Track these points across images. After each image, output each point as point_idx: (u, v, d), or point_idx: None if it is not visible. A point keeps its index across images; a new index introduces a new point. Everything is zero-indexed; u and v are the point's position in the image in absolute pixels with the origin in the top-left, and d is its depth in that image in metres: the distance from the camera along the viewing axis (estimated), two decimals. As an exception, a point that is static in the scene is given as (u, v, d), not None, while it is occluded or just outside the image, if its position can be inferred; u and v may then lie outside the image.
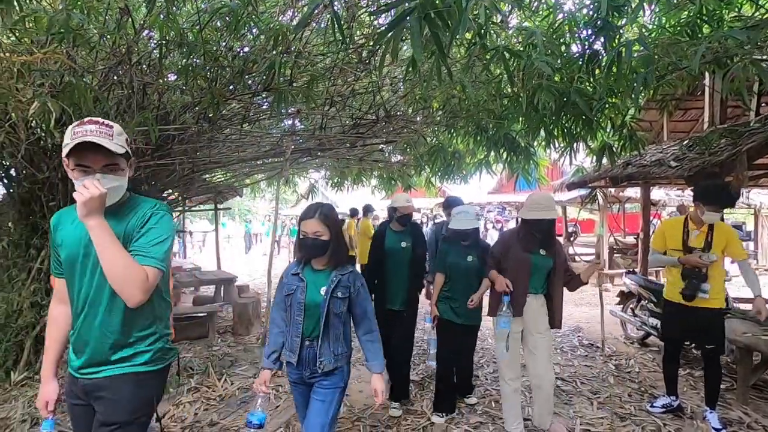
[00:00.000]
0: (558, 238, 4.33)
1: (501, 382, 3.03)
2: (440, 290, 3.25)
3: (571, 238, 10.34)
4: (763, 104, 4.98)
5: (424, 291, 3.90)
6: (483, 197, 15.24)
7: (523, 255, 2.83)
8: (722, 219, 3.07)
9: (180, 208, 7.36)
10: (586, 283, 2.91)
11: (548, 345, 2.94)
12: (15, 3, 2.17)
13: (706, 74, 4.30)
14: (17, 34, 2.67)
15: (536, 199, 2.82)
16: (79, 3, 2.44)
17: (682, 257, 3.05)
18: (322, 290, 1.92)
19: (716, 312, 3.01)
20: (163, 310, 1.57)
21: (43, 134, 3.38)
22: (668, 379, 3.32)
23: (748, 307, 4.53)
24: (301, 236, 1.94)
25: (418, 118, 4.96)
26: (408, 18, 1.29)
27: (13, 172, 4.35)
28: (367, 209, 7.85)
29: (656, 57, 2.54)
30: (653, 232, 10.53)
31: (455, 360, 3.30)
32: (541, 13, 3.48)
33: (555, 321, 2.94)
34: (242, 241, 20.45)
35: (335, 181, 8.71)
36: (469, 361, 3.57)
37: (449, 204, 3.91)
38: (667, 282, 3.23)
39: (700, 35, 2.68)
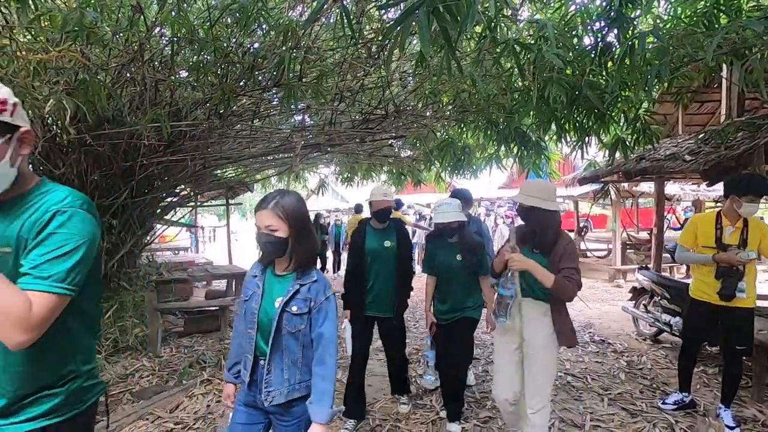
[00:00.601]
0: (570, 233, 4.29)
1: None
2: (432, 294, 3.02)
3: (582, 233, 10.22)
4: (782, 96, 4.86)
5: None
6: (493, 192, 15.14)
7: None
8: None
9: (192, 204, 7.45)
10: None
11: (543, 367, 2.30)
12: (30, 2, 2.21)
13: (724, 66, 4.21)
14: (33, 33, 2.73)
15: (527, 187, 2.35)
16: (92, 1, 2.48)
17: (717, 255, 2.90)
18: (277, 301, 1.56)
19: (749, 311, 2.92)
20: (84, 339, 1.18)
21: (58, 131, 3.45)
22: (682, 376, 3.28)
23: (764, 304, 4.45)
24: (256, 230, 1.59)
25: (427, 113, 4.94)
26: (417, 12, 1.29)
27: (30, 168, 4.45)
28: (396, 204, 7.81)
29: (671, 49, 2.49)
30: (667, 227, 10.38)
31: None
32: (553, 5, 3.43)
33: (561, 336, 2.32)
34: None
35: (345, 176, 8.74)
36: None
37: (456, 197, 3.41)
38: (696, 280, 3.10)
39: (717, 26, 2.62)
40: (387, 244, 3.03)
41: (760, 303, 4.24)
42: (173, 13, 2.73)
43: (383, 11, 3.40)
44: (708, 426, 2.73)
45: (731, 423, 2.92)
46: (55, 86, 2.52)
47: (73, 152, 4.04)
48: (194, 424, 3.06)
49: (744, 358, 3.75)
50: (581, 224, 12.02)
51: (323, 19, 3.42)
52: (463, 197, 3.36)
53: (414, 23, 1.32)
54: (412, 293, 3.24)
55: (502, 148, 4.65)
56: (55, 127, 3.56)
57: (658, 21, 3.08)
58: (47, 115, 2.60)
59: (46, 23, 2.63)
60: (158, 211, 5.67)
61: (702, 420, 3.08)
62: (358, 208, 8.99)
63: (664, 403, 3.29)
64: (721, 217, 2.98)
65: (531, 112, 3.78)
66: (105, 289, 4.57)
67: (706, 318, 3.06)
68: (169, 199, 5.96)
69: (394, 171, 7.99)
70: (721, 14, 2.69)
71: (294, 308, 1.54)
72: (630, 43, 2.24)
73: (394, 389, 3.37)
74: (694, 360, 3.28)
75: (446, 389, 3.08)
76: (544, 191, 2.29)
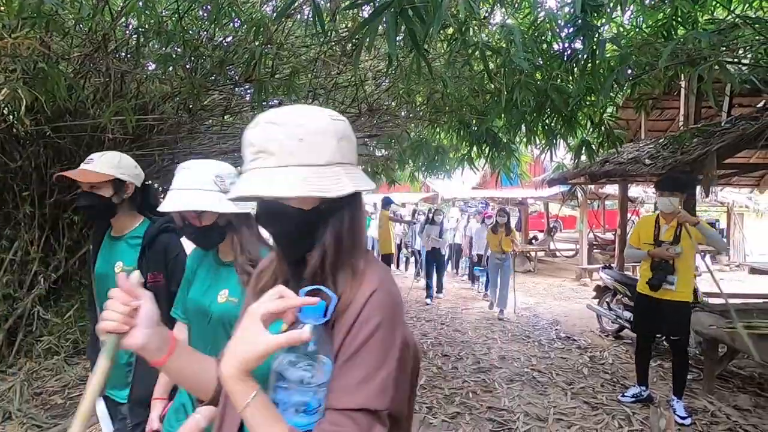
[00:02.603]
0: (540, 233, 4.40)
1: None
2: None
3: (552, 233, 10.53)
4: (734, 105, 5.15)
5: None
6: (467, 192, 15.37)
7: None
8: (681, 207, 3.18)
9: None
10: None
11: None
12: (-17, -15, 2.10)
13: (682, 75, 4.42)
14: (-13, 18, 2.59)
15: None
16: (52, -13, 2.37)
17: (651, 251, 3.19)
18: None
19: (681, 305, 3.14)
20: None
21: (15, 122, 3.29)
22: (639, 370, 3.45)
23: (716, 301, 4.71)
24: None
25: (401, 113, 4.97)
26: (384, 13, 1.31)
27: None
28: (386, 202, 7.81)
29: (632, 56, 2.60)
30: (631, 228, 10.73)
31: None
32: (523, 10, 3.52)
33: None
34: None
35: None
36: None
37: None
38: (640, 276, 3.37)
39: (675, 36, 2.76)
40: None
41: (712, 300, 4.48)
42: (140, 3, 2.64)
43: (358, 10, 3.40)
44: (660, 416, 2.87)
45: (683, 414, 3.08)
46: (12, 74, 2.41)
47: (32, 144, 3.86)
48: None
49: (695, 350, 3.97)
50: (551, 225, 12.38)
51: (297, 16, 3.40)
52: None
53: (382, 23, 1.34)
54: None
55: (474, 149, 4.73)
56: (11, 117, 3.39)
57: (621, 30, 3.21)
58: (2, 104, 2.47)
59: (0, 8, 2.50)
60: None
61: (654, 410, 3.23)
62: (386, 202, 8.04)
63: (623, 396, 3.44)
64: (660, 216, 3.27)
65: (501, 115, 3.87)
66: (67, 289, 4.39)
67: (648, 311, 3.28)
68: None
69: (369, 170, 8.00)
70: (679, 26, 2.83)
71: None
72: (591, 49, 2.33)
73: None
74: (648, 353, 3.45)
75: None
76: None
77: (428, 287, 7.21)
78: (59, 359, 3.80)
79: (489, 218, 7.16)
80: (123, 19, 3.02)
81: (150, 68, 3.62)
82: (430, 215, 7.78)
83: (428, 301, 7.02)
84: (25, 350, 3.84)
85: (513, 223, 6.99)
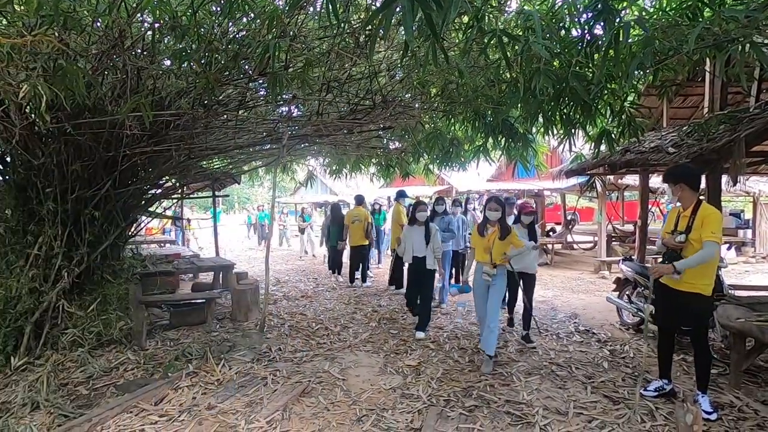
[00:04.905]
0: (558, 226, 4.33)
1: None
2: None
3: (570, 226, 10.34)
4: (763, 90, 4.95)
5: None
6: (482, 185, 15.22)
7: None
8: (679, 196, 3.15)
9: (177, 195, 7.34)
10: None
11: None
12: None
13: (707, 60, 4.26)
14: (8, 17, 2.63)
15: None
16: (69, -15, 2.40)
17: (664, 239, 3.20)
18: None
19: (691, 296, 3.06)
20: None
21: (36, 119, 3.35)
22: (661, 362, 3.39)
23: (743, 293, 4.56)
24: None
25: (416, 104, 4.92)
26: (400, -2, 1.27)
27: (8, 158, 4.34)
28: (400, 195, 7.69)
29: (656, 40, 2.51)
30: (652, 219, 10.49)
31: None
32: (540, -4, 3.42)
33: None
34: (246, 230, 20.33)
35: (334, 168, 8.69)
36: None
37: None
38: None
39: (700, 18, 2.64)
40: None
41: (739, 293, 4.35)
42: (155, -1, 2.65)
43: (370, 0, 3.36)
44: (686, 411, 2.79)
45: (709, 408, 3.00)
46: (32, 72, 2.45)
47: (53, 141, 3.94)
48: (179, 416, 3.04)
49: (721, 344, 3.86)
50: (569, 217, 12.16)
51: (310, 8, 3.37)
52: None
53: (398, 10, 1.31)
54: None
55: (490, 140, 4.66)
56: (33, 115, 3.46)
57: (643, 13, 3.09)
58: (23, 102, 2.52)
59: (20, 7, 2.54)
60: (143, 202, 5.57)
61: (680, 405, 3.15)
62: (400, 194, 7.74)
63: (645, 390, 3.37)
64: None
65: (518, 104, 3.79)
66: (90, 283, 4.50)
67: (666, 301, 3.23)
68: (153, 191, 5.86)
69: (383, 163, 7.96)
70: (705, 7, 2.71)
71: None
72: (614, 33, 2.25)
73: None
74: (669, 345, 3.38)
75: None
76: None
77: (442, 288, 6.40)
78: (83, 351, 3.90)
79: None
80: (138, 15, 3.04)
81: (165, 64, 3.65)
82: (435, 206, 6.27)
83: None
84: (51, 342, 3.96)
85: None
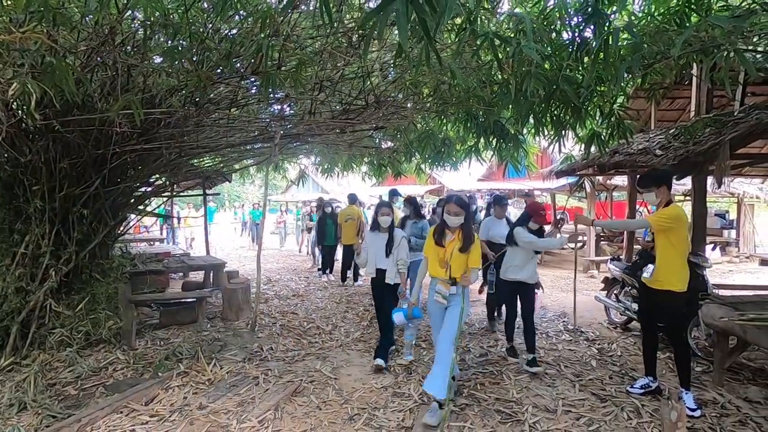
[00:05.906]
0: (547, 225, 4.38)
1: None
2: None
3: (558, 225, 10.45)
4: (747, 94, 5.05)
5: None
6: (473, 184, 15.32)
7: None
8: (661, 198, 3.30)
9: (168, 194, 7.27)
10: None
11: None
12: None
13: (694, 64, 4.34)
14: (-5, 12, 2.59)
15: None
16: (58, -20, 2.37)
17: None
18: None
19: (662, 294, 3.18)
20: None
21: (24, 116, 3.30)
22: (646, 360, 3.47)
23: (727, 293, 4.67)
24: None
25: (408, 104, 4.94)
26: (395, 1, 1.28)
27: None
28: (393, 194, 7.50)
29: (644, 45, 2.55)
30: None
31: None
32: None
33: None
34: (238, 228, 20.15)
35: (326, 167, 8.68)
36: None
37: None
38: None
39: (687, 24, 2.70)
40: None
41: (723, 292, 4.45)
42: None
43: (363, 0, 3.37)
44: (671, 408, 2.86)
45: (693, 405, 3.07)
46: (20, 69, 2.41)
47: (41, 138, 3.88)
48: (170, 416, 3.03)
49: (705, 342, 3.95)
50: (558, 216, 12.28)
51: (303, 7, 3.37)
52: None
53: (392, 13, 1.32)
54: None
55: (481, 140, 4.69)
56: (20, 112, 3.41)
57: (632, 18, 3.15)
58: (11, 99, 2.48)
59: (8, 2, 2.50)
60: (132, 201, 5.51)
61: (665, 402, 3.22)
62: (393, 193, 7.65)
63: (632, 388, 3.44)
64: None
65: (509, 106, 3.82)
66: (78, 282, 4.44)
67: (644, 299, 3.44)
68: (143, 189, 5.80)
69: (375, 162, 7.97)
70: (692, 13, 2.77)
71: None
72: (604, 38, 2.29)
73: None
74: (653, 343, 3.47)
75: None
76: None
77: None
78: (72, 351, 3.86)
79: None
80: (129, 12, 3.01)
81: (156, 61, 3.61)
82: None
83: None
84: (38, 342, 3.91)
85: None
